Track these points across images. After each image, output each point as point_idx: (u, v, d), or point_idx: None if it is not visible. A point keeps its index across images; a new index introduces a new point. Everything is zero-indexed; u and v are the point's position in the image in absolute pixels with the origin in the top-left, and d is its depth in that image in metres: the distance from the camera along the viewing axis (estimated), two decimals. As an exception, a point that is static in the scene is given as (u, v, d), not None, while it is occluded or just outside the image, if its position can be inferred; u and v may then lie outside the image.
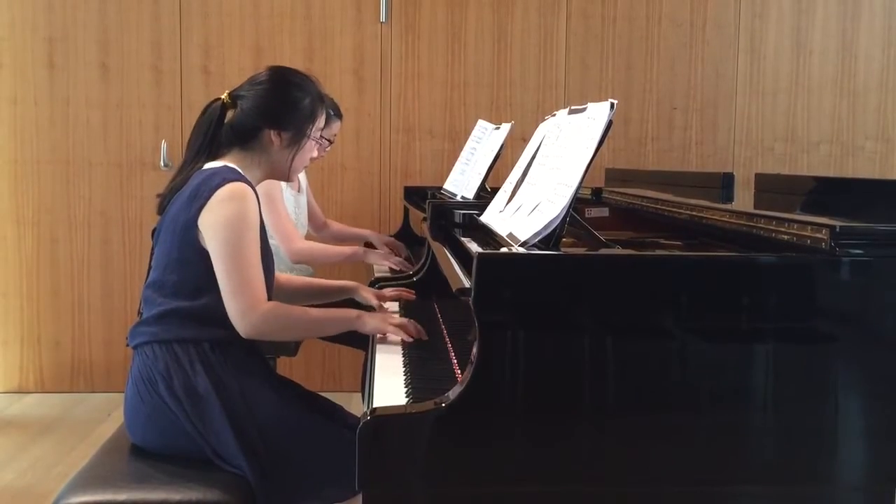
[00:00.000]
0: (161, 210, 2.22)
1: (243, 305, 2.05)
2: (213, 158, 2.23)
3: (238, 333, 2.08)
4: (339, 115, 3.68)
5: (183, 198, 2.12)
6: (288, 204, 3.63)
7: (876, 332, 1.59)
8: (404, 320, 2.21)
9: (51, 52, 4.66)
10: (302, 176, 3.81)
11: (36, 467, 3.72)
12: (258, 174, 2.27)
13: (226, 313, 2.07)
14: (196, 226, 2.08)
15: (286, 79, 2.29)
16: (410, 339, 2.15)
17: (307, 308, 2.25)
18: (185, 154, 2.28)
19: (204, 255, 2.07)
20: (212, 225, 2.06)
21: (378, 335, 2.22)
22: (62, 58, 4.67)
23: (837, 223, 1.55)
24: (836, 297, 1.59)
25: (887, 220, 1.62)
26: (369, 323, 2.20)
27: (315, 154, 2.39)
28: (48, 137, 4.70)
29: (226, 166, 2.18)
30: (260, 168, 2.26)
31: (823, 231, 1.55)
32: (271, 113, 2.22)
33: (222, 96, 2.26)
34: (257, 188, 3.40)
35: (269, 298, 2.25)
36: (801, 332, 1.59)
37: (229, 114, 2.25)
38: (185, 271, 2.10)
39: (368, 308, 2.46)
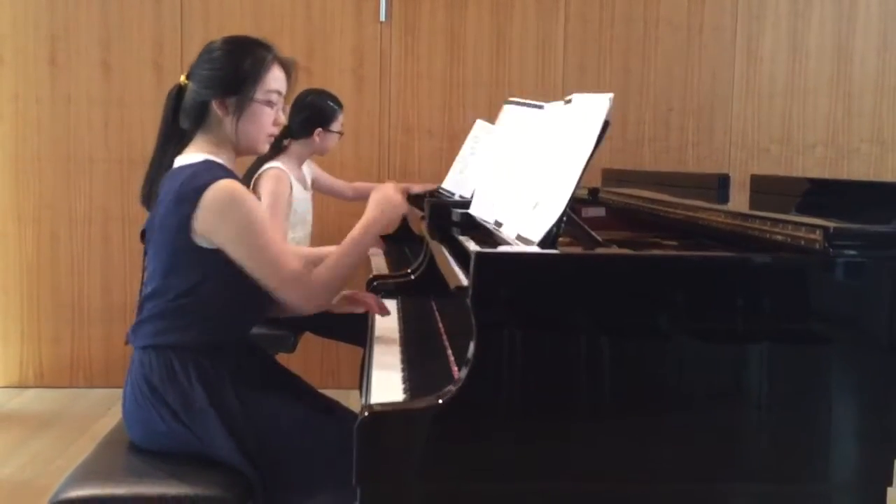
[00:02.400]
0: (147, 203, 2.18)
1: (283, 285, 2.06)
2: (183, 146, 2.17)
3: (235, 329, 2.10)
4: (340, 106, 3.72)
5: (168, 201, 2.05)
6: (299, 205, 3.65)
7: (869, 332, 1.60)
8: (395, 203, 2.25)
9: (52, 49, 4.68)
10: (307, 169, 3.83)
11: (35, 462, 3.73)
12: (229, 152, 2.18)
13: (225, 303, 2.07)
14: (189, 227, 2.02)
15: (228, 44, 2.17)
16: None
17: (331, 251, 2.23)
18: (155, 145, 2.23)
19: (200, 253, 2.04)
20: (219, 233, 2.02)
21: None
22: (64, 55, 4.68)
23: (831, 224, 1.56)
24: (829, 297, 1.60)
25: (882, 222, 1.64)
26: (373, 230, 2.21)
27: (274, 118, 2.20)
28: (49, 134, 4.71)
29: (204, 161, 2.10)
30: (227, 144, 2.16)
31: (817, 232, 1.56)
32: (214, 81, 2.12)
33: (181, 79, 2.18)
34: (265, 182, 3.42)
35: (266, 307, 2.23)
36: (795, 333, 1.60)
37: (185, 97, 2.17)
38: (180, 274, 2.06)
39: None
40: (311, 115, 3.67)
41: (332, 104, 3.69)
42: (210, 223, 2.01)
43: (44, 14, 4.66)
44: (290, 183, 3.54)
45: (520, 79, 4.84)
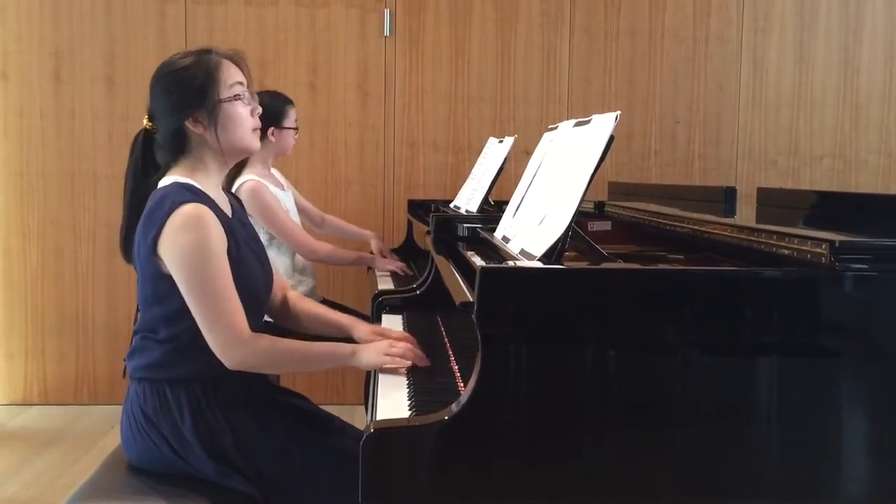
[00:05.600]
0: (127, 256, 2.14)
1: (223, 340, 1.96)
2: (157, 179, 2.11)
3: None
4: (288, 102, 3.71)
5: (140, 227, 2.03)
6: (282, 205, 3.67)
7: (876, 346, 1.59)
8: (402, 347, 2.06)
9: (57, 65, 4.69)
10: (278, 174, 3.84)
11: (40, 479, 3.72)
12: (215, 169, 2.15)
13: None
14: (156, 254, 1.98)
15: (167, 65, 2.12)
16: (408, 366, 2.02)
17: (296, 342, 2.13)
18: (125, 199, 2.17)
19: (173, 282, 1.98)
20: (171, 257, 1.96)
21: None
22: (68, 71, 4.69)
23: (837, 238, 1.55)
24: (836, 311, 1.59)
25: (891, 235, 1.63)
26: (365, 359, 2.04)
27: (251, 108, 2.14)
28: (54, 150, 4.72)
29: (175, 183, 2.05)
30: (214, 162, 2.13)
31: (823, 246, 1.56)
32: (175, 106, 2.07)
33: (144, 124, 2.14)
34: (248, 200, 3.44)
35: (261, 318, 2.21)
36: (802, 347, 1.59)
37: (157, 137, 2.13)
38: (161, 303, 2.03)
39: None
40: (261, 117, 3.69)
41: (279, 101, 3.70)
42: (166, 245, 1.96)
43: (48, 30, 4.68)
44: (269, 188, 3.57)
45: (524, 92, 4.84)
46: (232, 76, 2.11)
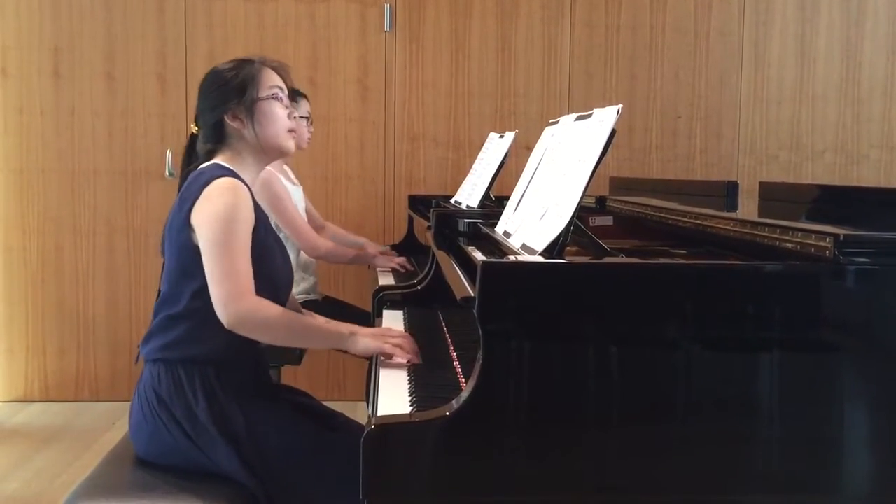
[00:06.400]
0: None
1: (226, 293, 2.00)
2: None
3: (244, 345, 2.07)
4: (302, 94, 3.72)
5: (177, 201, 2.13)
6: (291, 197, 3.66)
7: (880, 340, 1.58)
8: (400, 338, 2.11)
9: (56, 61, 4.68)
10: (290, 172, 3.83)
11: (41, 476, 3.72)
12: (251, 164, 2.24)
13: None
14: (189, 225, 2.06)
15: (213, 69, 2.27)
16: (405, 361, 2.04)
17: (297, 314, 2.19)
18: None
19: (199, 255, 2.05)
20: (202, 219, 2.04)
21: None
22: (68, 67, 4.69)
23: (841, 231, 1.54)
24: (840, 305, 1.58)
25: (893, 229, 1.62)
26: (362, 342, 2.09)
27: (288, 112, 2.26)
28: (54, 146, 4.72)
29: (214, 164, 2.17)
30: (250, 155, 2.23)
31: (827, 239, 1.55)
32: (216, 101, 2.20)
33: (192, 129, 2.28)
34: (259, 190, 3.43)
35: (283, 302, 2.22)
36: (806, 341, 1.58)
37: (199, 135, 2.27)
38: (186, 277, 2.09)
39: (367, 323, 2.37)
40: None
41: (290, 93, 3.68)
42: (200, 209, 2.05)
43: (48, 26, 4.67)
44: (281, 180, 3.56)
45: (525, 87, 4.84)
46: (272, 80, 2.24)
